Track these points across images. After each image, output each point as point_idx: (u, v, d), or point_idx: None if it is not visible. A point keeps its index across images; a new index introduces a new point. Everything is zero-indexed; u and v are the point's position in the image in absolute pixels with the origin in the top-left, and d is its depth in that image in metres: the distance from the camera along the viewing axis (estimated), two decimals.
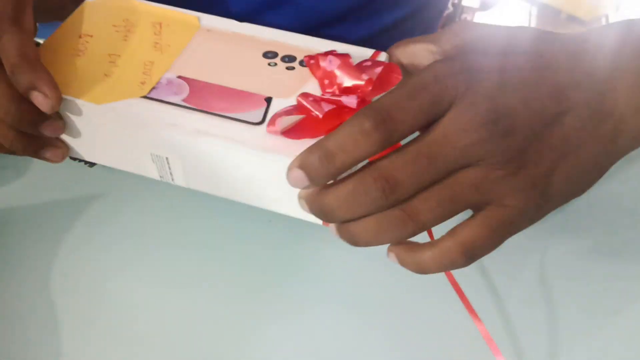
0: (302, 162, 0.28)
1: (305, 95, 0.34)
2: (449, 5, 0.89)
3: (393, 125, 0.27)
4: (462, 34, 0.34)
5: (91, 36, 0.37)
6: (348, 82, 0.34)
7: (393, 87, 0.29)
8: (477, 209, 0.29)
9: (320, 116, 0.33)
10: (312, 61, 0.37)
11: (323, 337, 0.38)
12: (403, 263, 0.31)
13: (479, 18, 1.83)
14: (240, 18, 0.59)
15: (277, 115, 0.33)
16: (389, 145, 0.28)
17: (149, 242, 0.43)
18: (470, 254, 0.29)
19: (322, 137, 0.30)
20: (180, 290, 0.41)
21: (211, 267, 0.42)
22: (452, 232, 0.29)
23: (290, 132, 0.33)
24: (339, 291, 0.41)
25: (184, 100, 0.34)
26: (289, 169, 0.29)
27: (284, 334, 0.39)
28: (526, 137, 0.28)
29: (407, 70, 0.36)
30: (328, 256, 0.42)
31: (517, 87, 0.29)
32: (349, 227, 0.30)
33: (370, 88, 0.34)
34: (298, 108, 0.34)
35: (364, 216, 0.29)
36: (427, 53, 0.35)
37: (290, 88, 0.34)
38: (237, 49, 0.36)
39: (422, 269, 0.30)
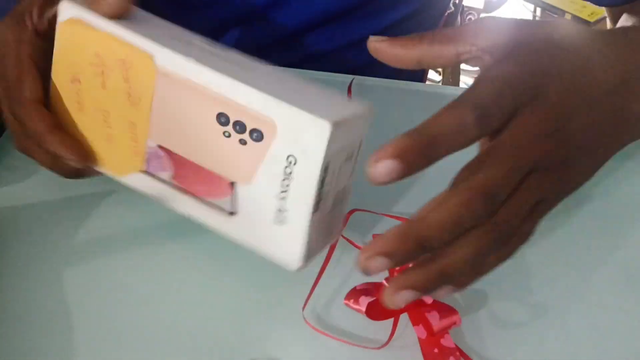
0: (399, 150, 0.26)
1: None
2: (450, 5, 0.89)
3: (488, 121, 0.28)
4: (494, 30, 0.34)
5: (80, 82, 0.37)
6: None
7: (475, 84, 0.30)
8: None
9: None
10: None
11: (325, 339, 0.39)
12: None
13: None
14: (250, 12, 0.60)
15: (358, 293, 0.37)
16: (479, 139, 0.29)
17: (152, 241, 0.43)
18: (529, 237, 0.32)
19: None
20: (183, 289, 0.41)
21: (215, 264, 0.42)
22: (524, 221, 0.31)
23: (371, 312, 0.36)
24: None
25: (172, 178, 0.36)
26: (377, 160, 0.26)
27: (289, 333, 0.39)
28: (576, 145, 0.31)
29: (428, 68, 0.35)
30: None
31: (575, 91, 0.31)
32: (442, 265, 0.28)
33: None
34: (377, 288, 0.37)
35: (456, 241, 0.28)
36: (453, 55, 0.34)
37: (247, 170, 0.34)
38: (193, 108, 0.35)
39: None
